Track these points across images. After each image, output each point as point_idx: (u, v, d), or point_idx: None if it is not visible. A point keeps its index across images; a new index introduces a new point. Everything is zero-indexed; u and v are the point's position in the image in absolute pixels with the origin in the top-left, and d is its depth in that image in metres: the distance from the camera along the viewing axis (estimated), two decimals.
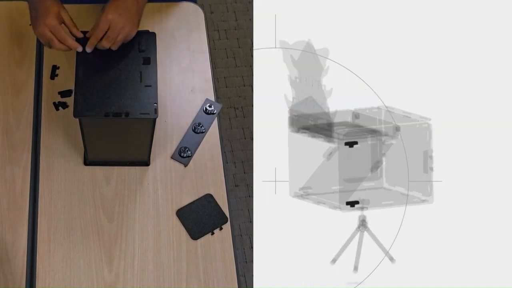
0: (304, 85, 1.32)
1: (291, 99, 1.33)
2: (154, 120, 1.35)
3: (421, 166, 1.29)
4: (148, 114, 1.33)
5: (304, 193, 1.32)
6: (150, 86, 1.36)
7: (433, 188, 1.30)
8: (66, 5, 1.75)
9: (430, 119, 1.31)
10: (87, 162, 1.52)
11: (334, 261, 1.36)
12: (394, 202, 1.31)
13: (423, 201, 1.30)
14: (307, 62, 1.33)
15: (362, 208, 1.33)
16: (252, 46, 2.73)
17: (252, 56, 2.71)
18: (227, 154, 2.48)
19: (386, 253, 1.34)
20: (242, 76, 2.67)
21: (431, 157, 1.30)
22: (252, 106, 2.58)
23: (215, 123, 1.62)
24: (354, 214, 1.39)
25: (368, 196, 1.30)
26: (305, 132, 1.32)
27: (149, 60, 1.39)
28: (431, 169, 1.29)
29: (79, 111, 1.32)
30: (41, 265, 1.41)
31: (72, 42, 1.39)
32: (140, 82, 1.36)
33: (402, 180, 1.29)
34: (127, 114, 1.32)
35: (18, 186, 1.49)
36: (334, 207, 1.32)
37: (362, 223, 1.35)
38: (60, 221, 1.46)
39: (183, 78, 1.68)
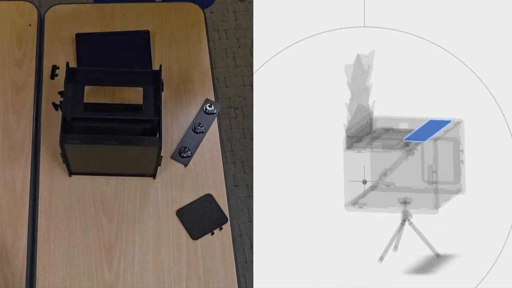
0: (356, 103, 1.36)
1: (346, 123, 1.36)
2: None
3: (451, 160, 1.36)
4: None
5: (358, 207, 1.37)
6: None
7: (466, 179, 1.38)
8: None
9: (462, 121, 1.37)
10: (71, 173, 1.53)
11: (381, 259, 1.38)
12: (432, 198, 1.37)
13: (457, 190, 1.37)
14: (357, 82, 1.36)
15: (405, 203, 1.36)
16: (252, 46, 2.73)
17: (252, 56, 2.71)
18: (227, 154, 2.48)
19: (432, 248, 1.36)
20: (242, 76, 2.67)
21: (462, 151, 1.36)
22: (252, 106, 2.58)
23: (215, 123, 1.62)
24: (351, 213, 1.39)
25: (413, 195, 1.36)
26: (359, 147, 1.36)
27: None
28: (462, 162, 1.36)
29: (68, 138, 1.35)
30: (41, 265, 1.41)
31: None
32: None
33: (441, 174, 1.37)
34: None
35: (18, 186, 1.49)
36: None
37: (406, 217, 1.37)
38: (60, 221, 1.46)
39: (183, 78, 1.68)
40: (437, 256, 1.37)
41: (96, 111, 1.42)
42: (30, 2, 1.74)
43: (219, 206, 1.51)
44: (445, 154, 1.35)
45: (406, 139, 1.32)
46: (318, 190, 1.39)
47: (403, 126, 1.34)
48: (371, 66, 1.34)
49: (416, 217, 1.38)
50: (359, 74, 1.35)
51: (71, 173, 1.51)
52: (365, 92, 1.34)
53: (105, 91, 1.61)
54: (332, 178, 1.39)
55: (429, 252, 1.37)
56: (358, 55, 1.34)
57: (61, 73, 1.64)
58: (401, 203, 1.36)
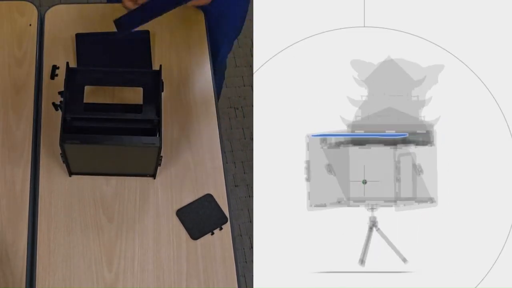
0: (372, 101, 1.35)
1: (350, 119, 1.35)
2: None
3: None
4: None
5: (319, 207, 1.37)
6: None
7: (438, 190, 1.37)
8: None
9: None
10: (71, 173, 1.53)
11: (361, 261, 1.38)
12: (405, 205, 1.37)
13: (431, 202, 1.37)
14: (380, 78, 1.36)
15: (372, 209, 1.36)
16: (252, 46, 2.72)
17: (252, 56, 2.71)
18: (227, 154, 2.48)
19: (398, 253, 1.36)
20: (242, 76, 2.67)
21: (421, 171, 1.36)
22: (252, 106, 2.58)
23: (215, 123, 1.62)
24: (352, 213, 1.39)
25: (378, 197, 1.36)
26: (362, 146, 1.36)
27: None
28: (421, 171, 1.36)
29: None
30: (41, 265, 1.41)
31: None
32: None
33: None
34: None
35: (18, 186, 1.49)
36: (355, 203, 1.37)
37: (373, 224, 1.37)
38: (60, 221, 1.46)
39: (183, 78, 1.68)
40: (404, 261, 1.37)
41: (96, 111, 1.42)
42: (30, 2, 1.74)
43: (219, 206, 1.51)
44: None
45: (314, 135, 1.34)
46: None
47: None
48: (434, 80, 1.34)
49: (412, 218, 1.38)
50: (389, 78, 1.34)
51: (71, 173, 1.51)
52: (412, 101, 1.34)
53: (105, 91, 1.61)
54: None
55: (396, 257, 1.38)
56: (395, 60, 1.34)
57: (61, 73, 1.64)
58: (369, 209, 1.37)
